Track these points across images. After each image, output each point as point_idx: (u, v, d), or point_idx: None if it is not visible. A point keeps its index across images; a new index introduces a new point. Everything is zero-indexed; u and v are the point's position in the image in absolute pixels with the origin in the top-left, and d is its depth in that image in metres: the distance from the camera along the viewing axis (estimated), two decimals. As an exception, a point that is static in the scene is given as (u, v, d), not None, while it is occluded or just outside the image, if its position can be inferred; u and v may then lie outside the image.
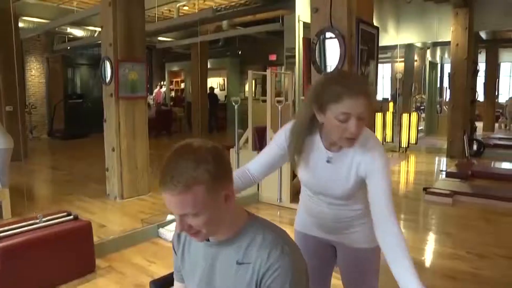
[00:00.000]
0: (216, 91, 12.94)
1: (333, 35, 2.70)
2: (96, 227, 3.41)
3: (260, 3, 7.69)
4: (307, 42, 2.89)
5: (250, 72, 4.81)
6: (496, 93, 12.25)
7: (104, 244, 3.26)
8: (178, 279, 1.20)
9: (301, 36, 5.51)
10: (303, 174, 1.43)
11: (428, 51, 10.42)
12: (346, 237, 1.48)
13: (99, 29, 5.28)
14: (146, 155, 4.84)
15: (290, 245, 0.99)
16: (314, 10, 2.79)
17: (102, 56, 4.62)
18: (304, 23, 5.55)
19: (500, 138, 9.48)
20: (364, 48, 2.83)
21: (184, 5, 8.39)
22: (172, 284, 1.34)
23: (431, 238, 3.74)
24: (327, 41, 2.77)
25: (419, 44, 9.72)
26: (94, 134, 8.08)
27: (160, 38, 10.99)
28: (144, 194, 4.77)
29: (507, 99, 12.59)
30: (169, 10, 8.78)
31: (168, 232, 3.54)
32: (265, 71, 11.54)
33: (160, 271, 2.71)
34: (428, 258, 3.27)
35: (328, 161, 1.37)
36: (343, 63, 2.70)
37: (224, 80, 13.79)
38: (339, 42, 2.67)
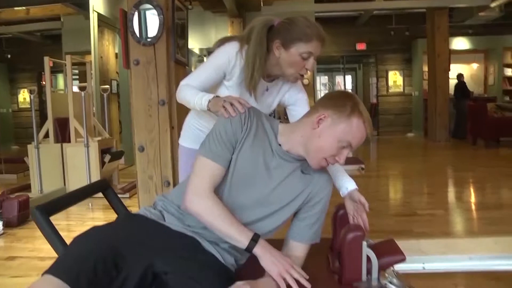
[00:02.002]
0: (-19, 101, 11.10)
1: (151, 6, 2.90)
2: None
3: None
4: (123, 13, 2.98)
5: (46, 58, 4.49)
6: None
7: None
8: (222, 163, 1.26)
9: (96, 27, 5.43)
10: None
11: (205, 58, 11.46)
12: None
13: None
14: None
15: None
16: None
17: None
18: (98, 14, 5.48)
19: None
20: (178, 22, 3.12)
21: None
22: (56, 211, 1.33)
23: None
24: (143, 12, 2.95)
25: (197, 51, 10.61)
26: None
27: None
28: None
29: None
30: None
31: None
32: (40, 78, 10.63)
33: None
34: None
35: (267, 89, 1.60)
36: (162, 32, 2.92)
37: (-9, 89, 11.93)
38: (157, 12, 2.88)
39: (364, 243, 1.25)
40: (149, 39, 2.93)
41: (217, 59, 1.56)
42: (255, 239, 1.18)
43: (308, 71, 1.50)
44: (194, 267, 1.16)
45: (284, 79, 1.61)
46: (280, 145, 1.32)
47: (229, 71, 1.56)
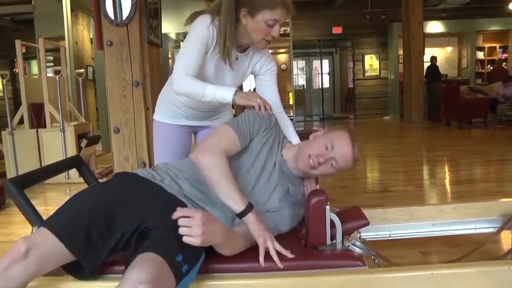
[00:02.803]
0: None
1: (123, -13, 2.88)
2: None
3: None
4: (96, -5, 2.96)
5: (17, 42, 4.41)
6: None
7: None
8: (241, 141, 1.42)
9: (69, 10, 5.34)
10: (209, 68, 1.62)
11: (181, 44, 11.27)
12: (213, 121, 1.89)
13: None
14: None
15: None
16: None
17: None
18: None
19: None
20: (151, 3, 3.11)
21: None
22: (30, 184, 1.36)
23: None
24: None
25: (173, 36, 10.45)
26: None
27: None
28: None
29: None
30: None
31: None
32: (13, 65, 10.36)
33: None
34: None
35: (237, 59, 1.66)
36: (135, 12, 2.91)
37: (-40, 77, 11.55)
38: (129, -7, 2.87)
39: (327, 207, 1.31)
40: (122, 20, 2.92)
41: (198, 33, 1.56)
42: (250, 207, 1.28)
43: (274, 37, 1.57)
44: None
45: (254, 48, 1.69)
46: (282, 156, 1.51)
47: (210, 42, 1.58)
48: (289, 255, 1.27)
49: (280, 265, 1.24)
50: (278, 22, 1.53)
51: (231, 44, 1.56)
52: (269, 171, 1.47)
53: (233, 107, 1.96)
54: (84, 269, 1.16)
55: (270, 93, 1.74)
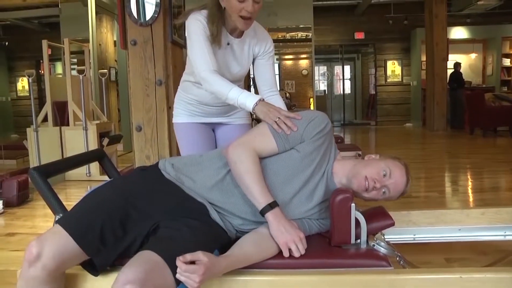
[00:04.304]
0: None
1: (149, -13, 2.92)
2: None
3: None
4: (122, -4, 3.00)
5: (44, 42, 4.50)
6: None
7: None
8: (279, 145, 1.39)
9: (94, 13, 5.44)
10: None
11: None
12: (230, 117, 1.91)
13: None
14: None
15: None
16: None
17: None
18: (97, 0, 5.48)
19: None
20: (175, 3, 3.14)
21: None
22: (53, 174, 1.37)
23: None
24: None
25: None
26: None
27: None
28: None
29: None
30: None
31: None
32: (39, 66, 10.61)
33: None
34: None
35: (228, 43, 1.67)
36: (159, 13, 2.94)
37: (-10, 76, 11.91)
38: (154, -7, 2.90)
39: (353, 205, 1.28)
40: (146, 20, 2.95)
41: (196, 30, 1.61)
42: (272, 205, 1.25)
43: (249, 13, 1.55)
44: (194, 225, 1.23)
45: (251, 32, 1.73)
46: (332, 168, 1.43)
47: (208, 34, 1.63)
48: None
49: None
50: None
51: (218, 27, 1.60)
52: (315, 181, 1.39)
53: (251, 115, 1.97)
54: (96, 266, 1.19)
55: (268, 75, 1.80)
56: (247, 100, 1.48)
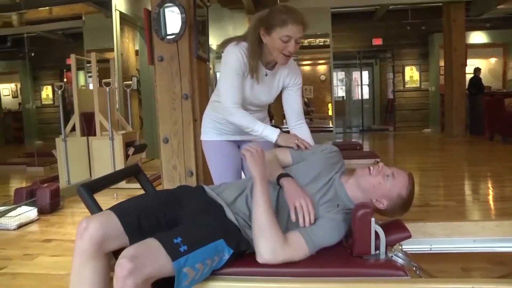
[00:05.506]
0: (8, 98, 11.48)
1: (173, 5, 3.06)
2: None
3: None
4: (147, 12, 3.15)
5: (73, 56, 4.71)
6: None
7: None
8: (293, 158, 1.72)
9: (118, 25, 5.64)
10: (245, 89, 1.83)
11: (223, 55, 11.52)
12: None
13: None
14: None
15: None
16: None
17: None
18: (120, 13, 5.68)
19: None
20: (199, 20, 3.28)
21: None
22: (98, 189, 1.53)
23: None
24: (166, 11, 3.12)
25: (214, 47, 10.74)
26: None
27: None
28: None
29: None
30: None
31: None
32: (62, 76, 10.94)
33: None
34: None
35: (266, 75, 1.83)
36: (184, 29, 3.08)
37: (16, 85, 12.31)
38: (179, 10, 3.04)
39: (373, 219, 1.39)
40: (172, 36, 3.09)
41: (231, 65, 1.76)
42: (284, 175, 1.51)
43: (290, 52, 1.71)
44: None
45: (278, 63, 1.83)
46: (340, 178, 1.58)
47: (243, 68, 1.77)
48: (312, 217, 1.41)
49: (302, 224, 1.40)
50: (292, 38, 1.67)
51: (257, 62, 1.75)
52: (323, 182, 1.55)
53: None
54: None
55: (296, 105, 1.96)
56: (269, 133, 1.77)
